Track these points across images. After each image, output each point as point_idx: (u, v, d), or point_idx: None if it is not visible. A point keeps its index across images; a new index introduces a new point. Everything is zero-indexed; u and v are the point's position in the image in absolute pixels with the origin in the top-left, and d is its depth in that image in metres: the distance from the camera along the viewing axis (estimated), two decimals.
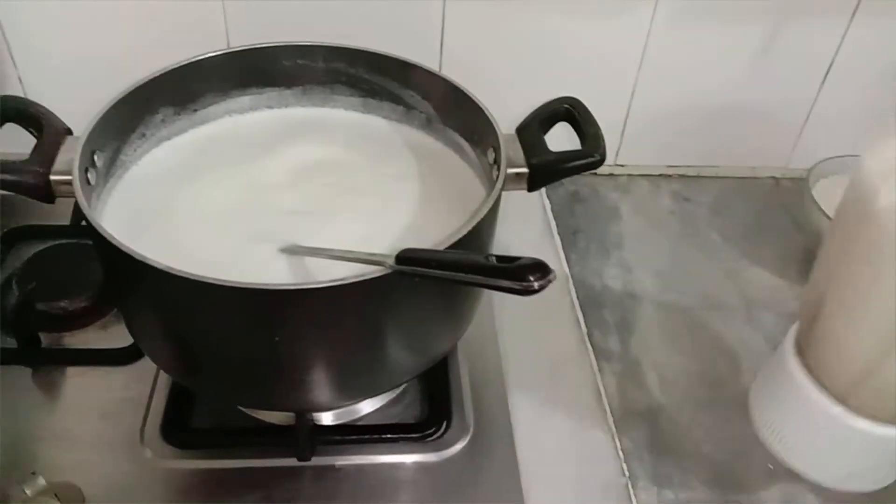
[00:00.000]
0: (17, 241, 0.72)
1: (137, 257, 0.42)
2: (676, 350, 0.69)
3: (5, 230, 0.72)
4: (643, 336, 0.71)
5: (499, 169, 0.53)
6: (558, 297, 0.73)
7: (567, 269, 0.76)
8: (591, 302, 0.73)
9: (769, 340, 0.70)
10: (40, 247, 0.70)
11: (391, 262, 0.42)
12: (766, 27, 0.78)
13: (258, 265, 0.51)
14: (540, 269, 0.35)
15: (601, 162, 0.52)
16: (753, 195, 0.89)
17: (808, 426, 0.57)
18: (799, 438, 0.59)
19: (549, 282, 0.35)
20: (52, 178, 0.49)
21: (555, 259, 0.77)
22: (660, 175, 0.90)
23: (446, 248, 0.44)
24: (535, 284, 0.35)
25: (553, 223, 0.81)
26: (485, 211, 0.47)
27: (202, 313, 0.45)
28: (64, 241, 0.70)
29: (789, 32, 0.79)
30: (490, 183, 0.57)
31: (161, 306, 0.48)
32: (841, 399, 0.54)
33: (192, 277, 0.41)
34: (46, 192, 0.49)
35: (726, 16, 0.77)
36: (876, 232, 0.47)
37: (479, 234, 0.48)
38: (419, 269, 0.41)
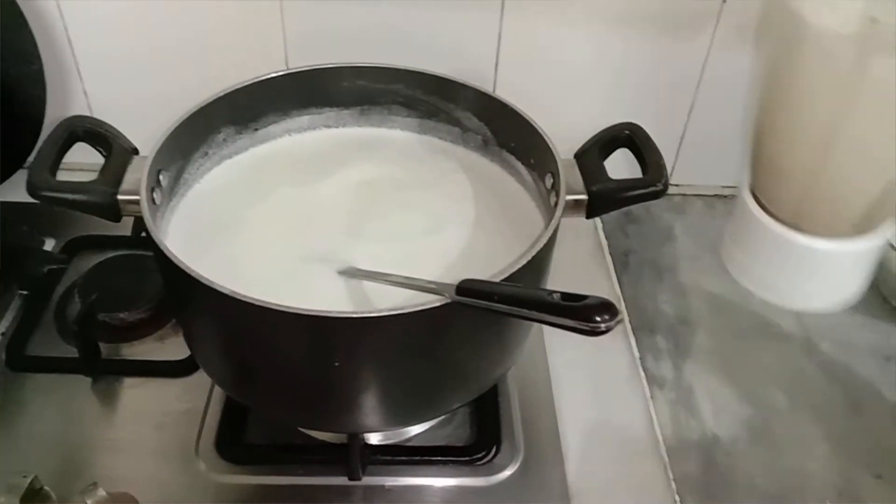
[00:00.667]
0: (79, 251, 0.73)
1: (204, 281, 0.43)
2: (731, 379, 0.68)
3: (67, 240, 0.74)
4: (697, 363, 0.69)
5: (557, 195, 0.53)
6: None
7: (619, 292, 0.75)
8: (644, 326, 0.72)
9: (824, 369, 0.69)
10: (101, 257, 0.71)
11: (452, 292, 0.42)
12: None
13: (314, 286, 0.52)
14: (608, 310, 0.35)
15: (664, 191, 0.51)
16: None
17: (766, 254, 0.60)
18: (761, 268, 0.61)
19: (618, 323, 0.35)
20: (120, 197, 0.50)
21: (606, 281, 0.77)
22: (714, 195, 0.89)
23: (504, 280, 0.43)
24: (602, 326, 0.34)
25: (605, 243, 0.81)
26: (544, 240, 0.47)
27: (264, 337, 0.46)
28: (124, 251, 0.72)
29: None
30: (546, 207, 0.57)
31: (223, 328, 0.48)
32: (790, 223, 0.57)
33: (257, 303, 0.41)
34: (114, 212, 0.50)
35: None
36: (807, 54, 0.51)
37: (538, 263, 0.48)
38: (480, 301, 0.40)
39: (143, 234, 0.61)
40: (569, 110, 0.71)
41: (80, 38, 0.74)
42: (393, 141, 0.65)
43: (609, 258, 0.79)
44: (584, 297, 0.36)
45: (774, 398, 0.67)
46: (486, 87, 0.61)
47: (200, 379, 0.63)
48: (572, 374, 0.66)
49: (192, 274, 0.43)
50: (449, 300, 0.42)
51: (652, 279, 0.77)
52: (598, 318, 0.35)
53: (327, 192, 0.60)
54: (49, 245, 0.74)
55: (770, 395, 0.67)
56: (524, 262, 0.45)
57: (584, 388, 0.66)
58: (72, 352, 0.64)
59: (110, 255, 0.71)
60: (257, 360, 0.49)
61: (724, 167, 0.86)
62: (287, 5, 0.72)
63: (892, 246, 0.71)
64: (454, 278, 0.45)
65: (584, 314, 0.35)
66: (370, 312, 0.42)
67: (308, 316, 0.41)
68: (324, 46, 0.73)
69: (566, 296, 0.37)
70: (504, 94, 0.60)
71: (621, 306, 0.74)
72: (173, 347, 0.66)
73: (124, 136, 0.54)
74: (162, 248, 0.45)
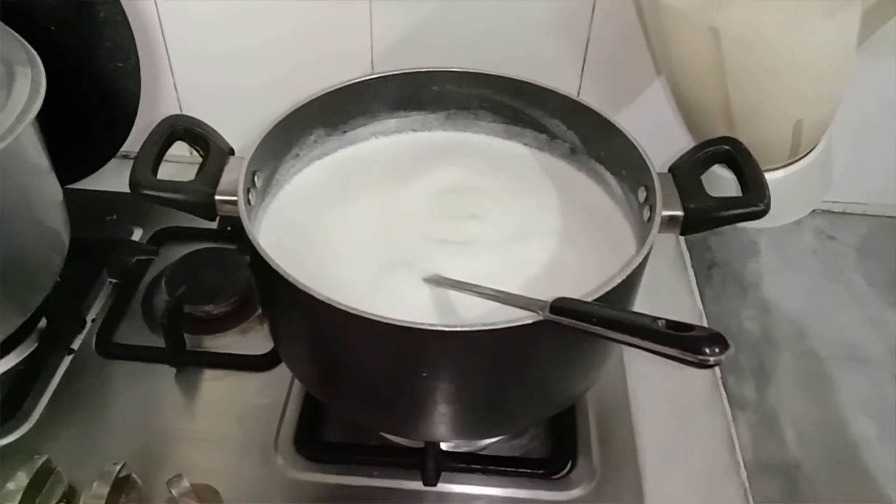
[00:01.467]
0: (166, 241, 0.75)
1: (301, 287, 0.43)
2: (817, 403, 0.66)
3: (154, 230, 0.76)
4: (781, 385, 0.67)
5: (651, 211, 0.51)
6: None
7: (701, 307, 0.74)
8: None
9: None
10: (187, 248, 0.73)
11: (545, 310, 0.41)
12: None
13: (399, 292, 0.52)
14: (718, 343, 0.34)
15: (766, 212, 0.49)
16: None
17: None
18: None
19: (728, 357, 0.34)
20: (217, 198, 0.51)
21: (688, 295, 0.75)
22: None
23: (597, 301, 0.42)
24: (712, 359, 0.33)
25: (687, 255, 0.79)
26: (640, 259, 0.46)
27: (354, 344, 0.46)
28: (210, 244, 0.73)
29: None
30: (636, 220, 0.55)
31: (315, 332, 0.49)
32: None
33: (354, 312, 0.42)
34: (210, 211, 0.51)
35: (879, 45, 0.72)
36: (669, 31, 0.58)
37: (631, 282, 0.47)
38: (577, 322, 0.40)
39: (229, 228, 0.62)
40: (652, 121, 0.70)
41: (174, 35, 0.75)
42: (478, 146, 0.65)
43: (691, 271, 0.77)
44: (691, 327, 0.35)
45: (863, 426, 0.64)
46: (575, 94, 0.60)
47: (281, 374, 0.64)
48: (651, 390, 0.65)
49: (289, 279, 0.44)
50: (542, 318, 0.42)
51: (735, 295, 0.75)
52: (706, 351, 0.33)
53: (412, 196, 0.60)
54: (136, 235, 0.76)
55: (858, 422, 0.64)
56: (619, 280, 0.44)
57: (663, 405, 0.64)
58: (158, 341, 0.65)
59: (196, 247, 0.73)
60: (345, 365, 0.50)
61: None
62: (376, 5, 0.72)
63: None
64: (540, 291, 0.44)
65: (692, 345, 0.34)
66: (462, 326, 0.42)
67: (401, 327, 0.41)
68: (410, 49, 0.73)
69: (671, 324, 0.36)
70: (589, 97, 0.59)
71: (703, 321, 0.72)
72: (256, 341, 0.67)
73: (221, 136, 0.54)
74: (259, 250, 0.46)
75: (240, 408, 0.62)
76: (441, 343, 0.43)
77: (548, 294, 0.42)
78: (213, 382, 0.64)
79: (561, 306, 0.41)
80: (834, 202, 0.85)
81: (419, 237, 0.56)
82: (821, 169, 0.66)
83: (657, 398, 0.64)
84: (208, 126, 0.54)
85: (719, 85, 0.58)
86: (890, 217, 0.85)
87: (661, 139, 0.62)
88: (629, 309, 0.38)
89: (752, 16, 0.54)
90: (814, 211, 0.85)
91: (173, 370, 0.65)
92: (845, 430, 0.64)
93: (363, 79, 0.60)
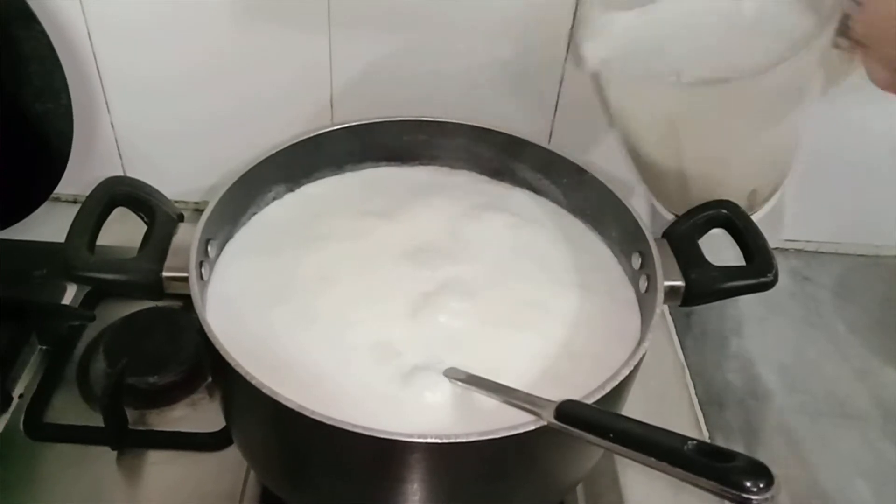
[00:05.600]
0: (104, 299, 0.67)
1: (265, 391, 0.37)
2: (808, 464, 0.63)
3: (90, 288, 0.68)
4: (771, 446, 0.64)
5: (649, 280, 0.47)
6: (677, 394, 0.67)
7: (683, 359, 0.70)
8: (712, 401, 0.67)
9: None
10: (127, 308, 0.65)
11: (550, 415, 0.36)
12: None
13: (376, 385, 0.45)
14: (764, 476, 0.29)
15: (774, 283, 0.46)
16: (878, 276, 0.81)
17: None
18: None
19: (775, 493, 0.29)
20: (165, 275, 0.44)
21: (669, 346, 0.71)
22: (776, 248, 0.83)
23: (600, 401, 0.38)
24: (755, 499, 0.29)
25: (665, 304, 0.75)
26: (645, 346, 0.42)
27: (329, 456, 0.41)
28: (152, 303, 0.66)
29: None
30: (634, 281, 0.51)
31: (280, 440, 0.43)
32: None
33: (326, 421, 0.36)
34: (157, 291, 0.45)
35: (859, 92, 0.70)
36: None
37: (636, 370, 0.42)
38: (587, 435, 0.35)
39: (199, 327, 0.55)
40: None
41: (109, 68, 0.68)
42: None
43: (670, 319, 0.74)
44: (729, 455, 0.30)
45: (858, 489, 0.61)
46: (556, 147, 0.55)
47: (238, 453, 0.57)
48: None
49: (251, 380, 0.38)
50: (544, 423, 0.37)
51: (717, 345, 0.72)
52: (748, 485, 0.29)
53: (387, 253, 0.54)
54: (70, 292, 0.68)
55: (853, 486, 0.61)
56: (625, 373, 0.40)
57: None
58: (96, 418, 0.58)
59: (137, 307, 0.66)
60: (317, 475, 0.44)
61: (787, 220, 0.81)
62: (336, 40, 0.66)
63: None
64: (534, 366, 0.41)
65: (731, 479, 0.29)
66: (452, 438, 0.37)
67: (388, 440, 0.36)
68: (371, 87, 0.67)
69: (704, 448, 0.31)
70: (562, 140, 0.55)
71: (687, 377, 0.68)
72: (207, 415, 0.60)
73: (168, 201, 0.48)
74: (213, 341, 0.40)
75: (191, 494, 0.55)
76: (424, 454, 0.38)
77: (537, 368, 0.37)
78: (161, 466, 0.57)
79: (569, 412, 0.36)
80: (807, 241, 0.83)
81: (394, 313, 0.50)
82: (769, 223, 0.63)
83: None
84: (153, 189, 0.48)
85: (675, 159, 0.55)
86: (862, 256, 0.83)
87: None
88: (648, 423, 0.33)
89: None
90: (786, 250, 0.83)
91: (114, 453, 0.57)
92: (840, 493, 0.61)
93: (327, 129, 0.54)
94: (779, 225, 0.66)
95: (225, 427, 0.58)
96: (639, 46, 0.53)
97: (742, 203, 0.56)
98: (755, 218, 0.59)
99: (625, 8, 0.53)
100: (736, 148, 0.54)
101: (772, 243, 0.49)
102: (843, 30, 0.45)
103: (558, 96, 0.68)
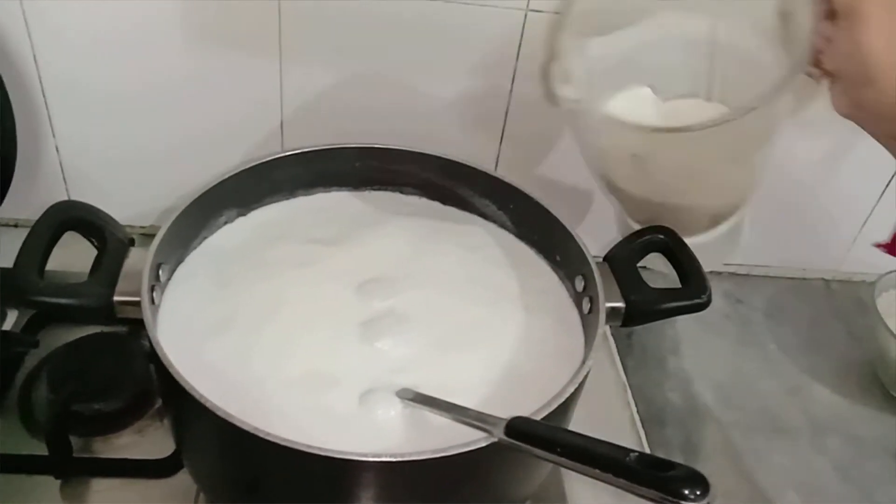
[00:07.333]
0: (47, 323, 0.66)
1: (221, 413, 0.38)
2: (745, 478, 0.66)
3: (33, 312, 0.67)
4: (709, 460, 0.67)
5: (592, 302, 0.50)
6: (619, 412, 0.69)
7: (625, 378, 0.72)
8: (653, 418, 0.69)
9: (838, 469, 0.67)
10: (72, 333, 0.64)
11: (500, 431, 0.38)
12: (835, 134, 0.76)
13: (324, 406, 0.46)
14: (699, 484, 0.31)
15: (708, 304, 0.48)
16: (806, 298, 0.86)
17: None
18: None
19: (712, 499, 0.31)
20: (117, 298, 0.44)
21: (612, 366, 0.74)
22: (710, 272, 0.86)
23: (546, 418, 0.39)
24: None
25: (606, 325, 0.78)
26: (590, 364, 0.43)
27: (282, 477, 0.41)
28: (98, 328, 0.65)
29: (856, 139, 0.76)
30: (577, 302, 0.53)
31: (235, 462, 0.43)
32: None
33: (281, 443, 0.37)
34: (109, 315, 0.45)
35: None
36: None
37: (582, 387, 0.44)
38: (536, 450, 0.36)
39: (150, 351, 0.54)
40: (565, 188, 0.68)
41: (54, 87, 0.67)
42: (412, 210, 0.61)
43: (612, 340, 0.76)
44: (669, 465, 0.32)
45: (788, 499, 0.64)
46: (501, 174, 0.57)
47: (187, 479, 0.57)
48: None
49: (207, 404, 0.38)
50: (495, 440, 0.38)
51: (656, 364, 0.75)
52: (686, 493, 0.31)
53: (335, 282, 0.55)
54: (11, 317, 0.67)
55: (785, 497, 0.65)
56: (570, 391, 0.41)
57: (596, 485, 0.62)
58: (39, 447, 0.57)
59: (81, 332, 0.65)
60: (268, 495, 0.44)
61: None
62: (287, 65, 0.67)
63: (891, 333, 0.70)
64: (482, 386, 0.42)
65: (670, 487, 0.31)
66: (405, 457, 0.38)
67: (341, 460, 0.37)
68: (322, 111, 0.68)
69: (645, 459, 0.33)
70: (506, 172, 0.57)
71: (628, 396, 0.71)
72: (155, 441, 0.59)
73: (120, 226, 0.48)
74: (167, 364, 0.40)
75: None
76: (376, 473, 0.39)
77: (485, 388, 0.38)
78: (107, 493, 0.56)
79: (519, 429, 0.37)
80: (740, 265, 0.87)
81: (345, 336, 0.50)
82: (730, 237, 0.66)
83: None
84: (104, 214, 0.48)
85: (642, 189, 0.57)
86: (791, 279, 0.87)
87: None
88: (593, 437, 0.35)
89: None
90: (720, 273, 0.87)
91: (58, 482, 0.56)
92: None
93: (278, 155, 0.55)
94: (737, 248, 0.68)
95: (173, 453, 0.58)
96: (612, 71, 0.54)
97: (703, 225, 0.59)
98: (717, 233, 0.61)
99: (599, 34, 0.54)
100: (703, 182, 0.56)
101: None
102: (814, 61, 0.47)
103: (504, 125, 0.70)
